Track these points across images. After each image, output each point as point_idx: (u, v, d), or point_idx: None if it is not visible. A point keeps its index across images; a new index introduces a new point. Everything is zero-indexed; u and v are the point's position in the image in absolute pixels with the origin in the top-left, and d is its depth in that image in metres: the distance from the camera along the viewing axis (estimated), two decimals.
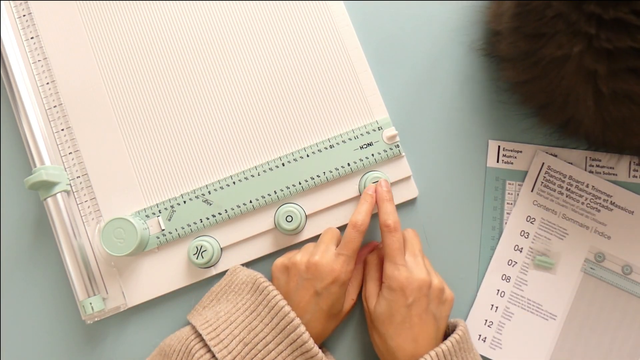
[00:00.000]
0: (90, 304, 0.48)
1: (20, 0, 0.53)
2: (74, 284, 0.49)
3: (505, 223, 0.51)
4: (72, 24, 0.53)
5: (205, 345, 0.43)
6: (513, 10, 0.44)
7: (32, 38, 0.53)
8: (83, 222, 0.50)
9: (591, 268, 0.50)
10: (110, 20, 0.53)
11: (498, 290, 0.50)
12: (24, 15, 0.53)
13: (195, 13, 0.53)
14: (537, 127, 0.50)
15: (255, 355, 0.42)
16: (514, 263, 0.50)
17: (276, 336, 0.42)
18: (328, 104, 0.52)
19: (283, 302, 0.43)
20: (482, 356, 0.49)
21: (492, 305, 0.50)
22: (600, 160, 0.51)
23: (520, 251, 0.50)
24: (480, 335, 0.50)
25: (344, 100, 0.52)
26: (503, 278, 0.50)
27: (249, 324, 0.43)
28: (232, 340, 0.42)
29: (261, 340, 0.42)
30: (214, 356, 0.42)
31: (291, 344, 0.42)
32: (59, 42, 0.53)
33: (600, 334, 0.49)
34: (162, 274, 0.50)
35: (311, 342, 0.42)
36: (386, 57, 0.53)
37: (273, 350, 0.42)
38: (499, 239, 0.51)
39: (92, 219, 0.51)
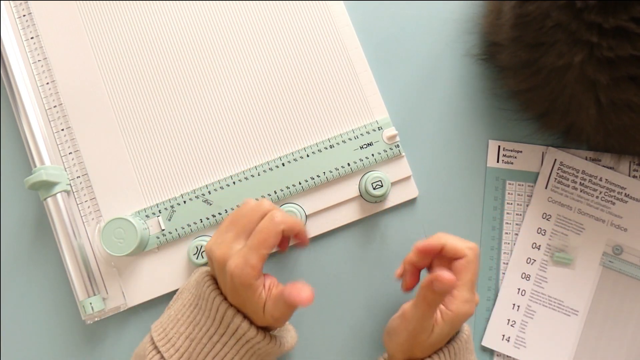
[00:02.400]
0: (90, 304, 0.48)
1: (20, 0, 0.53)
2: (74, 284, 0.49)
3: (506, 223, 0.51)
4: (72, 24, 0.53)
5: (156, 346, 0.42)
6: (512, 21, 0.44)
7: (32, 38, 0.53)
8: (83, 222, 0.50)
9: (610, 261, 0.50)
10: (110, 21, 0.53)
11: (519, 289, 0.50)
12: (24, 15, 0.53)
13: (195, 13, 0.53)
14: (539, 133, 0.50)
15: (201, 350, 0.41)
16: (532, 261, 0.50)
17: (217, 327, 0.41)
18: (328, 104, 0.52)
19: (215, 293, 0.41)
20: (507, 356, 0.50)
21: (514, 304, 0.50)
22: (600, 160, 0.51)
23: (539, 249, 0.50)
24: (504, 336, 0.50)
25: (344, 100, 0.52)
26: (523, 276, 0.50)
27: (194, 319, 0.42)
28: (179, 338, 0.41)
29: (205, 334, 0.41)
30: (162, 356, 0.41)
31: (233, 333, 0.41)
32: (59, 42, 0.53)
33: (623, 326, 0.49)
34: (162, 274, 0.50)
35: (252, 331, 0.40)
36: (386, 57, 0.53)
37: (217, 342, 0.41)
38: (499, 239, 0.51)
39: (92, 219, 0.51)
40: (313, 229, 0.50)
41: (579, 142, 0.50)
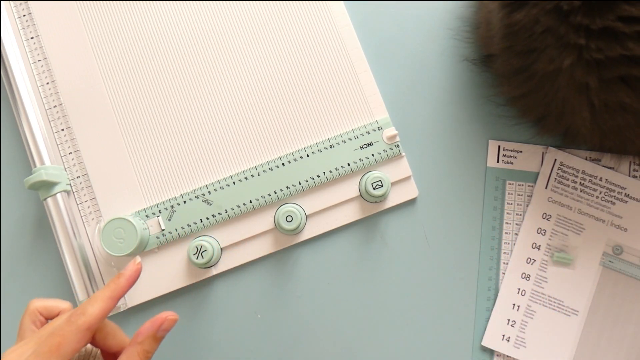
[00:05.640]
0: None
1: (20, 0, 0.53)
2: (74, 284, 0.49)
3: (506, 223, 0.51)
4: (72, 24, 0.53)
5: None
6: (502, 32, 0.44)
7: (32, 38, 0.53)
8: (83, 222, 0.50)
9: (610, 261, 0.50)
10: (110, 20, 0.53)
11: (519, 289, 0.50)
12: (24, 15, 0.53)
13: (195, 13, 0.53)
14: (537, 137, 0.50)
15: None
16: (532, 261, 0.50)
17: None
18: (328, 104, 0.52)
19: None
20: (507, 356, 0.49)
21: (514, 304, 0.50)
22: (600, 160, 0.51)
23: (539, 249, 0.50)
24: (504, 336, 0.50)
25: (344, 100, 0.52)
26: (523, 276, 0.50)
27: None
28: None
29: None
30: None
31: None
32: (59, 42, 0.53)
33: (623, 326, 0.49)
34: (162, 274, 0.50)
35: None
36: (386, 57, 0.53)
37: None
38: (499, 239, 0.51)
39: (92, 219, 0.51)
40: (313, 229, 0.50)
41: (577, 144, 0.50)
